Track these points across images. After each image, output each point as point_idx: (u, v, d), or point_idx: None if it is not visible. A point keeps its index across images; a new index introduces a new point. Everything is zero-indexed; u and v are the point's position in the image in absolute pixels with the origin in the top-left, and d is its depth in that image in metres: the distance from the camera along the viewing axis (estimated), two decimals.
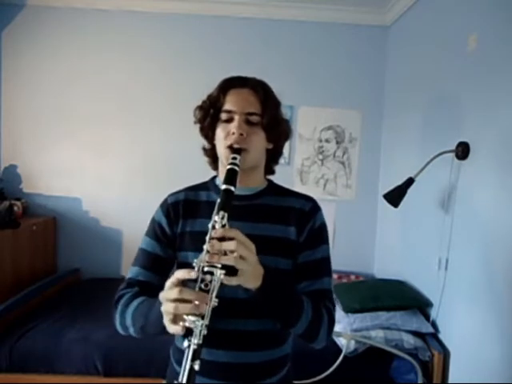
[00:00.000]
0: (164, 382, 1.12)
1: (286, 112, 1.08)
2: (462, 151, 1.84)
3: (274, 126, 1.00)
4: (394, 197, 2.05)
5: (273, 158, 1.08)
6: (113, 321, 1.00)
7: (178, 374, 1.01)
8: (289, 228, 0.99)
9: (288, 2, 2.90)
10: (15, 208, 2.73)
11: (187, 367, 0.72)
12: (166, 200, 1.06)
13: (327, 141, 3.11)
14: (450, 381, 1.92)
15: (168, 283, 0.79)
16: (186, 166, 2.71)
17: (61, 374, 2.02)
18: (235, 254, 0.77)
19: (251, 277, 0.81)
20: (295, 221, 1.00)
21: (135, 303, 0.93)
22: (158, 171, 3.10)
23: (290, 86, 3.04)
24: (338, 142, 3.11)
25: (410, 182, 2.02)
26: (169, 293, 0.77)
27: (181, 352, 0.99)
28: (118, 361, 2.03)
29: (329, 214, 3.06)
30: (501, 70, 1.62)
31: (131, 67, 3.04)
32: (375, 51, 3.04)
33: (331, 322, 0.96)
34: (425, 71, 2.37)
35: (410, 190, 2.02)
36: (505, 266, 1.56)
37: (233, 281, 0.78)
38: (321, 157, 3.12)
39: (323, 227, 1.03)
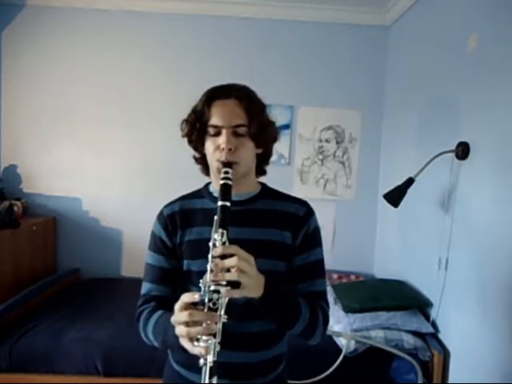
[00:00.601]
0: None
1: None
2: (462, 151, 1.84)
3: (262, 132, 1.00)
4: (394, 197, 2.05)
5: (263, 160, 1.09)
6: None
7: (177, 373, 1.04)
8: (284, 232, 1.02)
9: (288, 2, 2.90)
10: (15, 208, 2.73)
11: None
12: (161, 212, 1.07)
13: (327, 141, 3.11)
14: (449, 381, 1.92)
15: (176, 307, 0.82)
16: (186, 166, 2.68)
17: (61, 374, 2.02)
18: (236, 269, 0.80)
19: (253, 288, 0.84)
20: (290, 225, 1.03)
21: (153, 319, 0.97)
22: (157, 171, 3.10)
23: (290, 86, 3.04)
24: (338, 142, 3.11)
25: (409, 181, 2.02)
26: (179, 316, 0.80)
27: (180, 351, 1.00)
28: (118, 361, 2.03)
29: (329, 214, 3.06)
30: (501, 70, 1.62)
31: (131, 67, 3.04)
32: (375, 51, 3.04)
33: (326, 320, 1.01)
34: (425, 71, 2.37)
35: (410, 190, 2.02)
36: (504, 265, 1.56)
37: (236, 294, 0.81)
38: (321, 157, 3.12)
39: (317, 231, 1.07)
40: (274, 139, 1.08)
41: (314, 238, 1.05)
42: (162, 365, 1.15)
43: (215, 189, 1.04)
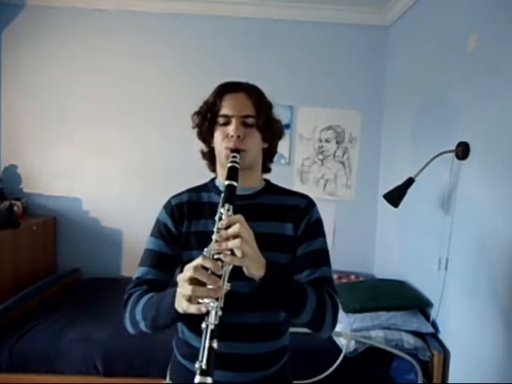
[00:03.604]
0: (164, 381, 1.14)
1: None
2: (462, 151, 1.84)
3: (269, 126, 1.06)
4: (394, 197, 2.05)
5: (268, 156, 1.14)
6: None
7: (183, 366, 1.05)
8: (286, 224, 1.05)
9: (288, 1, 2.90)
10: (15, 208, 2.73)
11: (206, 346, 0.76)
12: (169, 202, 1.10)
13: (327, 141, 3.11)
14: (449, 381, 1.92)
15: (188, 266, 0.82)
16: (185, 165, 2.71)
17: (61, 374, 2.02)
18: (240, 238, 0.82)
19: (254, 261, 0.85)
20: (292, 217, 1.06)
21: (146, 298, 0.97)
22: (157, 171, 3.10)
23: (289, 86, 3.05)
24: (338, 142, 3.11)
25: (409, 181, 2.02)
26: (187, 272, 0.81)
27: (186, 345, 1.05)
28: (118, 361, 2.03)
29: (329, 214, 3.06)
30: (501, 70, 1.62)
31: (131, 67, 3.04)
32: (375, 51, 3.04)
33: (335, 307, 0.99)
34: (425, 71, 2.37)
35: (410, 190, 2.02)
36: (504, 265, 1.56)
37: (236, 261, 0.82)
38: (321, 157, 3.12)
39: (319, 221, 1.09)
40: (280, 136, 1.13)
41: (316, 228, 1.07)
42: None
43: (221, 183, 1.06)
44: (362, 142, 3.10)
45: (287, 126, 3.04)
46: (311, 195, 1.13)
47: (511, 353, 1.50)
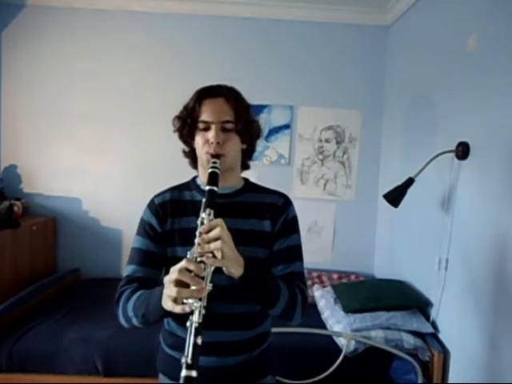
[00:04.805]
0: (157, 382, 1.16)
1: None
2: (462, 151, 1.84)
3: (247, 129, 1.10)
4: (394, 197, 2.05)
5: (247, 155, 1.19)
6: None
7: (170, 356, 1.10)
8: (264, 221, 1.11)
9: (288, 1, 2.90)
10: (15, 208, 2.73)
11: (191, 342, 0.80)
12: (153, 201, 1.14)
13: (327, 141, 3.11)
14: (450, 381, 1.92)
15: (173, 269, 0.86)
16: (185, 165, 2.70)
17: (61, 374, 2.03)
18: (220, 240, 0.88)
19: (233, 261, 0.91)
20: (270, 215, 1.11)
21: (136, 296, 1.01)
22: (157, 171, 3.09)
23: (289, 86, 3.05)
24: (338, 142, 3.11)
25: (409, 182, 2.01)
26: (172, 274, 0.86)
27: (172, 335, 1.10)
28: (118, 361, 2.03)
29: (329, 214, 3.06)
30: (501, 70, 1.62)
31: (131, 67, 3.04)
32: (375, 51, 3.04)
33: (304, 300, 1.08)
34: (424, 71, 2.37)
35: (410, 190, 2.02)
36: (504, 265, 1.56)
37: (217, 262, 0.88)
38: (321, 157, 3.12)
39: (295, 219, 1.15)
40: (258, 136, 1.18)
41: (292, 225, 1.13)
42: None
43: (202, 181, 1.12)
44: (361, 141, 3.10)
45: (287, 126, 3.03)
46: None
47: (510, 352, 1.50)
